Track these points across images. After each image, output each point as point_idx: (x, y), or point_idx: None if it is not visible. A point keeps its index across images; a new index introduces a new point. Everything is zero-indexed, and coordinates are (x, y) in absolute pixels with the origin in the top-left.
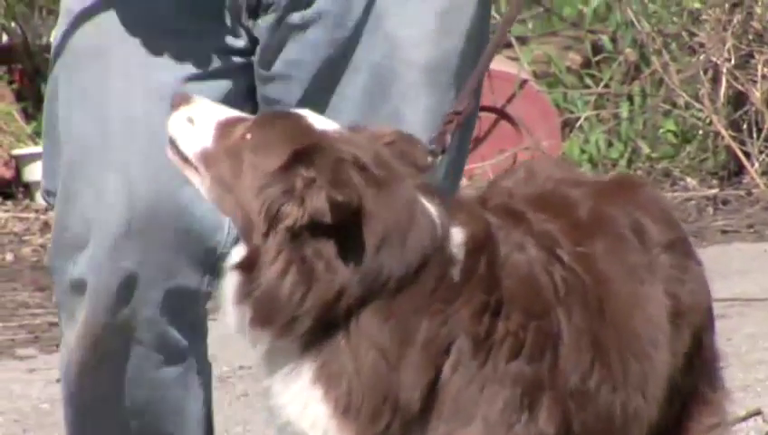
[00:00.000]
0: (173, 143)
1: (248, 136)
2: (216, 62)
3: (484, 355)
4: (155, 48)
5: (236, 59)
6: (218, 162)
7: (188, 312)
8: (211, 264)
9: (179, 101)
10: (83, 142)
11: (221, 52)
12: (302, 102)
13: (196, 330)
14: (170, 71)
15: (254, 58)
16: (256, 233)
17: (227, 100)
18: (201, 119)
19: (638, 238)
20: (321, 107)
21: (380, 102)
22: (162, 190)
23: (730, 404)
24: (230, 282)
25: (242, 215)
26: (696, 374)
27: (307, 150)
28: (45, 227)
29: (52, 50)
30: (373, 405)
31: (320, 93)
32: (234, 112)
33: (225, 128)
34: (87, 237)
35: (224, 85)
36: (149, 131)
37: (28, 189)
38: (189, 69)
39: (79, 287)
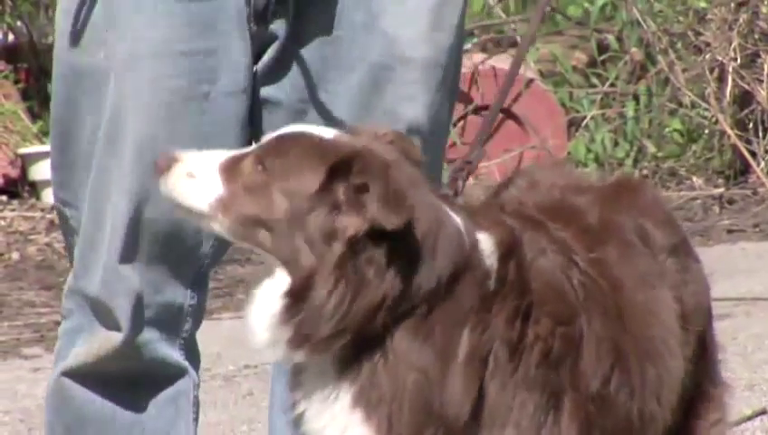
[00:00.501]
0: (180, 205)
1: (261, 167)
2: (226, 79)
3: (516, 361)
4: (164, 67)
5: (245, 73)
6: (239, 203)
7: (179, 329)
8: (194, 276)
9: (167, 162)
10: (100, 164)
11: (230, 67)
12: (294, 101)
13: (189, 348)
14: (177, 91)
15: (261, 61)
16: (305, 257)
17: (244, 116)
18: (200, 169)
19: (644, 243)
20: (313, 105)
21: (376, 101)
22: (161, 207)
23: (730, 397)
24: (270, 306)
25: (283, 244)
26: (700, 373)
27: (344, 162)
28: (51, 225)
29: (60, 73)
30: (417, 424)
31: (312, 91)
32: (226, 151)
33: (230, 168)
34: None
35: (239, 101)
36: (154, 152)
37: (34, 188)
38: (199, 89)
39: (98, 308)
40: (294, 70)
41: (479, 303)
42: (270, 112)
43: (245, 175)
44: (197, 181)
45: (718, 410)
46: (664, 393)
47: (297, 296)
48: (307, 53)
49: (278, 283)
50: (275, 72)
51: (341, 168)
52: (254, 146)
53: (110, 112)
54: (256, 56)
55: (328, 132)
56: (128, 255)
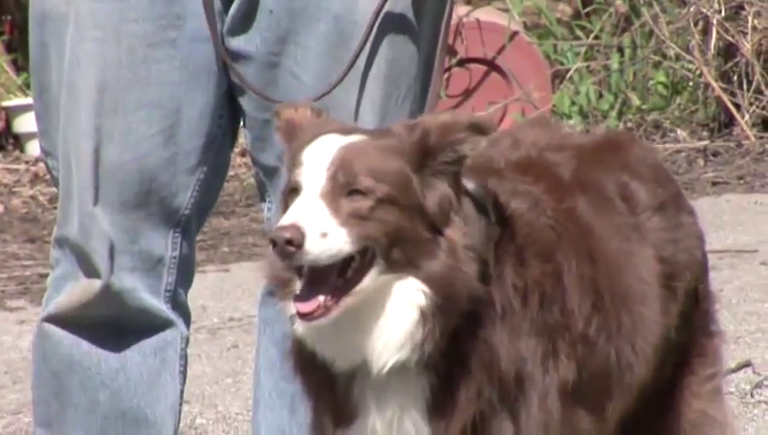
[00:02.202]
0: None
1: (356, 193)
2: (192, 25)
3: (524, 308)
4: (128, 11)
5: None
6: (366, 231)
7: (161, 280)
8: (173, 227)
9: (295, 234)
10: (65, 109)
11: (196, 13)
12: (264, 54)
13: (175, 302)
14: (141, 36)
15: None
16: (438, 247)
17: (212, 63)
18: (329, 226)
19: (626, 203)
20: (281, 58)
21: (342, 53)
22: (127, 152)
23: (725, 348)
24: (406, 313)
25: (414, 243)
26: (694, 326)
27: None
28: (36, 178)
29: (33, 16)
30: (479, 387)
31: (280, 44)
32: (306, 197)
33: (335, 210)
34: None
35: (207, 48)
36: (116, 96)
37: (18, 141)
38: (165, 34)
39: (78, 253)
40: (263, 23)
41: (494, 253)
42: (242, 66)
43: (351, 207)
44: (332, 236)
45: (713, 364)
46: (638, 342)
47: (444, 291)
48: (274, 4)
49: (409, 289)
50: (242, 23)
51: (414, 141)
52: (317, 180)
53: (70, 55)
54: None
55: (350, 133)
56: (96, 196)
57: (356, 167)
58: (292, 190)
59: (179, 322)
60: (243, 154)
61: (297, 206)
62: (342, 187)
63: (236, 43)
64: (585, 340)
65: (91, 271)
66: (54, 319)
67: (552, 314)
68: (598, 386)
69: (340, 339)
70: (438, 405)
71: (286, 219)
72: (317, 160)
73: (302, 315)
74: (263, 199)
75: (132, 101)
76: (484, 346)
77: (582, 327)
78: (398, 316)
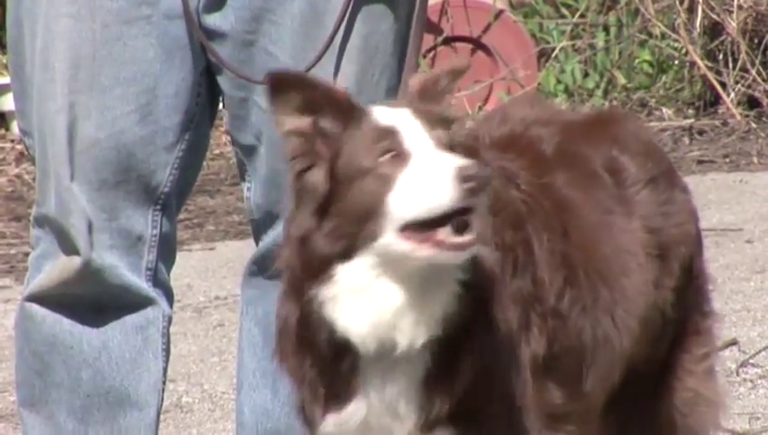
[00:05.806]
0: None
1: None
2: (167, 2)
3: (501, 273)
4: None
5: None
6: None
7: (142, 258)
8: (153, 205)
9: (483, 175)
10: (39, 87)
11: None
12: (240, 32)
13: (157, 281)
14: (116, 12)
15: None
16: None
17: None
18: (471, 172)
19: (613, 177)
20: (256, 36)
21: (316, 30)
22: (104, 129)
23: (718, 328)
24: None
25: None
26: (688, 304)
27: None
28: (21, 156)
29: None
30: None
31: (254, 22)
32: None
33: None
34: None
35: (181, 25)
36: (92, 72)
37: (3, 119)
38: (139, 11)
39: (57, 231)
40: (237, 1)
41: None
42: (217, 44)
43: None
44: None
45: (707, 344)
46: (619, 314)
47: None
48: None
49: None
50: (217, 1)
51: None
52: (422, 141)
53: (45, 31)
54: None
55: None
56: (72, 172)
57: (437, 126)
58: (394, 158)
59: (161, 300)
60: (228, 132)
61: (447, 157)
62: (446, 145)
63: (212, 20)
64: (556, 314)
65: (70, 248)
66: (36, 298)
67: (525, 283)
68: (571, 360)
69: (379, 315)
70: (433, 383)
71: (464, 163)
72: (404, 125)
73: (460, 246)
74: (243, 179)
75: (108, 78)
76: (484, 319)
77: (554, 301)
78: (440, 290)
